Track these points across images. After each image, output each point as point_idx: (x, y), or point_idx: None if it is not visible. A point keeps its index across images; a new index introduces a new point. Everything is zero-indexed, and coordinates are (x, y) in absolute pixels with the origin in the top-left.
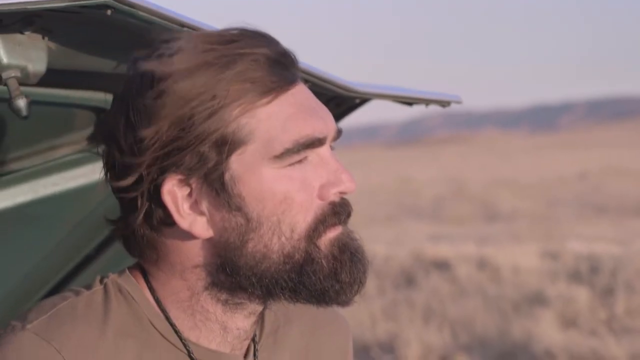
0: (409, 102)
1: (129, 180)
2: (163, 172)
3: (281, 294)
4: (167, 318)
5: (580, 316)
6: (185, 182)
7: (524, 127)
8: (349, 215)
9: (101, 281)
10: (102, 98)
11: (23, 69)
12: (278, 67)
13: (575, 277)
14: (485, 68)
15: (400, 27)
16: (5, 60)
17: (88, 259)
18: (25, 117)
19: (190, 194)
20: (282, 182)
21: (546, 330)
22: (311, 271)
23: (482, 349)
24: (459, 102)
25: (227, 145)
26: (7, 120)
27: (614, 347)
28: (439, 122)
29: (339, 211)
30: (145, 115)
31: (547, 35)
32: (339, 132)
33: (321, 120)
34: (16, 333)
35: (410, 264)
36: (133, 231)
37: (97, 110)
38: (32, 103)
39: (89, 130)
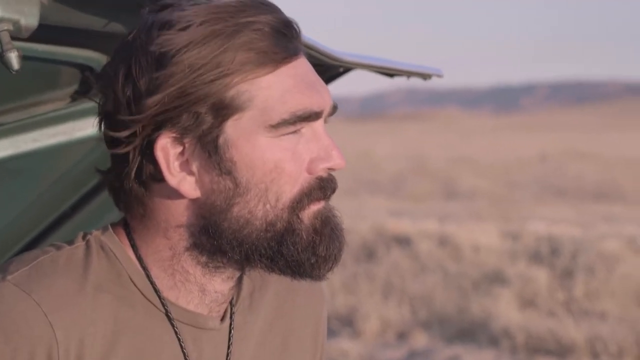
0: (390, 73)
1: (123, 134)
2: (158, 129)
3: (259, 262)
4: (148, 276)
5: (539, 297)
6: (179, 140)
7: (486, 107)
8: (333, 191)
9: (83, 237)
10: (89, 56)
11: (15, 23)
12: (282, 38)
13: (535, 258)
14: (449, 46)
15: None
16: None
17: (66, 214)
18: (16, 71)
19: (182, 153)
20: (274, 151)
21: (505, 309)
22: (290, 242)
23: (441, 325)
24: (440, 76)
25: (224, 109)
26: None
27: (572, 329)
28: (401, 98)
29: (325, 186)
30: (150, 80)
31: (512, 15)
32: (334, 108)
33: (319, 95)
34: None
35: (371, 238)
36: (122, 184)
37: (83, 68)
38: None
39: (73, 88)
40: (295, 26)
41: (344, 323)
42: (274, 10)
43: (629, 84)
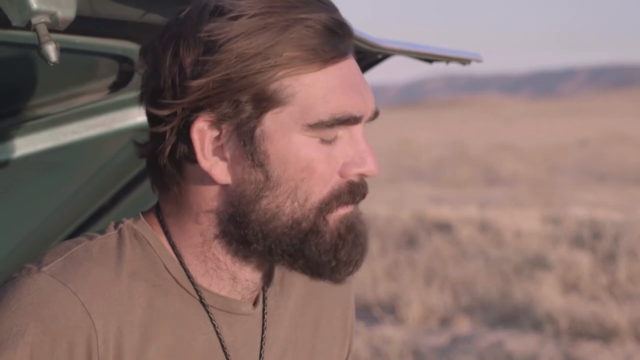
0: (429, 59)
1: (163, 112)
2: (197, 111)
3: (280, 257)
4: (181, 263)
5: (582, 281)
6: (216, 125)
7: (525, 92)
8: (363, 196)
9: (115, 226)
10: (127, 47)
11: (52, 15)
12: (333, 37)
13: (577, 242)
14: (487, 32)
15: None
16: (35, 6)
17: (105, 207)
18: (54, 63)
19: (218, 138)
20: (308, 150)
21: (547, 294)
22: (313, 242)
23: (483, 311)
24: (479, 61)
25: (265, 101)
26: (30, 67)
27: (615, 312)
28: (440, 86)
29: (355, 191)
30: (196, 64)
31: (551, 1)
32: (375, 114)
33: (362, 99)
34: (32, 275)
35: (412, 225)
36: (157, 161)
37: (121, 59)
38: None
39: (111, 79)
40: (348, 26)
41: (387, 310)
42: (329, 8)
43: None
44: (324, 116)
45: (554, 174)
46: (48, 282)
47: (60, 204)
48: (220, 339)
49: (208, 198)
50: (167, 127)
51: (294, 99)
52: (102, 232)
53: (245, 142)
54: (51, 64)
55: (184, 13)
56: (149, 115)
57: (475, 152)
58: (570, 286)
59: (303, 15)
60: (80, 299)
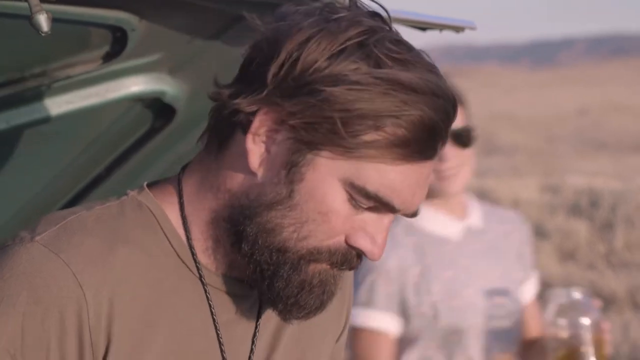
0: (422, 27)
1: (248, 94)
2: (283, 98)
3: (255, 267)
4: (188, 238)
5: (579, 249)
6: (286, 121)
7: (524, 62)
8: (350, 269)
9: (119, 197)
10: (120, 17)
11: None
12: (433, 139)
13: (574, 211)
14: (486, 1)
15: None
16: None
17: (101, 177)
18: (46, 33)
19: (277, 131)
20: (335, 201)
21: (545, 262)
22: (287, 274)
23: None
24: (473, 28)
25: (341, 140)
26: (24, 38)
27: (612, 280)
28: (439, 55)
29: (348, 259)
30: (320, 69)
31: None
32: (414, 214)
33: (412, 199)
34: (24, 244)
35: None
36: (222, 110)
37: (114, 29)
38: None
39: (105, 49)
40: (450, 123)
41: None
42: (452, 105)
43: None
44: (371, 187)
45: (553, 143)
46: (40, 251)
47: (56, 174)
48: (214, 318)
49: (235, 177)
50: (251, 95)
51: (362, 153)
52: (102, 202)
53: (295, 154)
54: (43, 34)
55: (349, 16)
56: (244, 68)
57: (474, 122)
58: (567, 255)
59: (416, 106)
60: (72, 269)
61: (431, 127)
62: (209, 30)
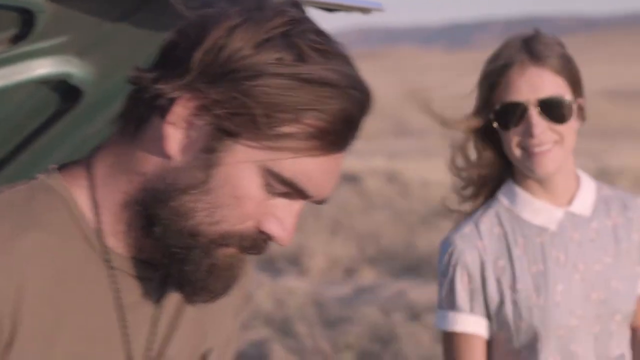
0: (330, 8)
1: (170, 79)
2: (208, 85)
3: (165, 250)
4: (98, 221)
5: None
6: (208, 108)
7: (440, 44)
8: (257, 253)
9: (27, 181)
10: None
11: None
12: (349, 130)
13: None
14: None
15: None
16: None
17: (6, 159)
18: None
19: (196, 116)
20: (251, 187)
21: None
22: (197, 258)
23: (388, 261)
24: (380, 10)
25: (259, 124)
26: None
27: None
28: (356, 38)
29: (257, 244)
30: (244, 57)
31: None
32: (324, 201)
33: (327, 187)
34: None
35: None
36: (141, 93)
37: (22, 11)
38: None
39: (11, 31)
40: (364, 116)
41: (291, 262)
42: (368, 98)
43: (582, 19)
44: (288, 174)
45: None
46: None
47: None
48: (119, 300)
49: (151, 161)
50: (174, 80)
51: (281, 141)
52: (11, 186)
53: (214, 140)
54: None
55: (273, 18)
56: (167, 50)
57: (387, 105)
58: None
59: (344, 95)
60: None
61: (349, 119)
62: (118, 13)
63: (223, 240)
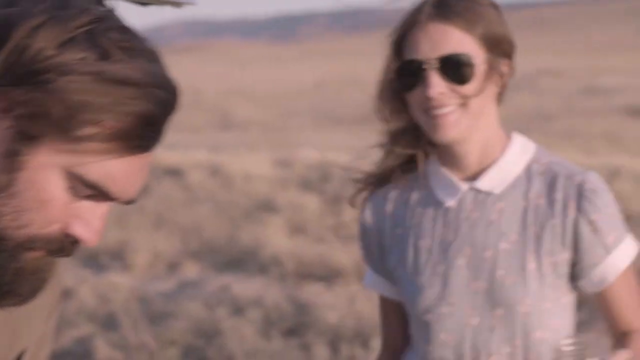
0: (142, 2)
1: None
2: (4, 91)
3: None
4: None
5: (309, 223)
6: (8, 110)
7: (265, 36)
8: (66, 255)
9: None
10: None
11: None
12: (152, 130)
13: (305, 185)
14: None
15: None
16: None
17: None
18: None
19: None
20: (56, 190)
21: (274, 237)
22: (1, 262)
23: (211, 255)
24: (192, 4)
25: (61, 127)
26: None
27: (340, 253)
28: (181, 31)
29: (65, 247)
30: (48, 57)
31: None
32: (131, 202)
33: (131, 188)
34: None
35: None
36: None
37: None
38: None
39: None
40: (170, 116)
41: (114, 257)
42: (174, 97)
43: (402, 11)
44: (92, 177)
45: (289, 117)
46: None
47: None
48: None
49: None
50: None
51: (83, 146)
52: None
53: (16, 143)
54: None
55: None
56: None
57: (210, 98)
58: (297, 229)
59: (147, 96)
60: None
61: (151, 120)
62: None
63: (30, 243)
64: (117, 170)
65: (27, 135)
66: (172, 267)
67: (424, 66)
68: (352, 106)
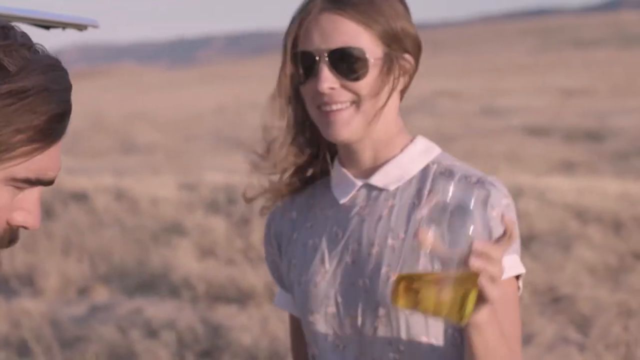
0: (46, 25)
1: None
2: None
3: None
4: None
5: (218, 246)
6: None
7: (163, 61)
8: (15, 243)
9: None
10: None
11: None
12: (62, 122)
13: (212, 207)
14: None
15: None
16: None
17: None
18: None
19: None
20: (2, 199)
21: (184, 259)
22: None
23: (121, 279)
24: (95, 26)
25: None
26: None
27: (251, 274)
28: (77, 56)
29: (13, 236)
30: None
31: None
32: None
33: (58, 169)
34: None
35: (48, 197)
36: None
37: None
38: None
39: None
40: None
41: (25, 282)
42: (63, 90)
43: None
44: (31, 175)
45: (191, 141)
46: None
47: None
48: None
49: None
50: None
51: (11, 155)
52: None
53: None
54: None
55: None
56: None
57: (112, 122)
58: (206, 251)
59: (50, 97)
60: None
61: (59, 115)
62: None
63: None
64: (45, 162)
65: None
66: (83, 291)
67: (315, 59)
68: (252, 130)
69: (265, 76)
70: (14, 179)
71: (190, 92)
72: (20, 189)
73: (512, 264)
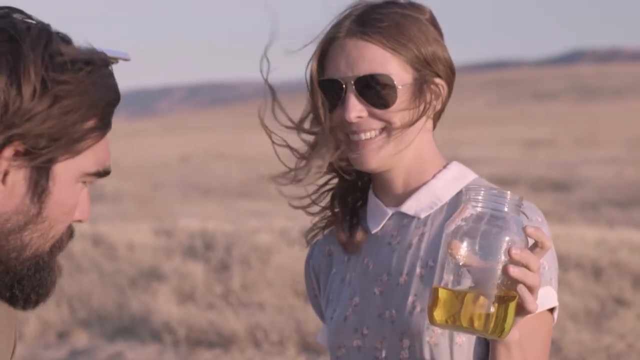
0: None
1: None
2: (11, 138)
3: (12, 283)
4: None
5: (197, 290)
6: (22, 155)
7: (123, 112)
8: (71, 239)
9: None
10: None
11: None
12: (112, 111)
13: (190, 253)
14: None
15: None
16: None
17: None
18: None
19: (9, 163)
20: (76, 196)
21: (164, 304)
22: (45, 277)
23: (101, 323)
24: (127, 59)
25: (62, 139)
26: None
27: (232, 320)
28: None
29: (72, 232)
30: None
31: (148, 16)
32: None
33: (110, 158)
34: None
35: None
36: None
37: None
38: None
39: None
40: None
41: None
42: (114, 85)
43: (257, 85)
44: (100, 167)
45: (158, 189)
46: None
47: None
48: None
49: None
50: None
51: (80, 148)
52: None
53: (34, 175)
54: None
55: (23, 35)
56: None
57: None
58: (186, 296)
59: (104, 90)
60: None
61: (114, 101)
62: None
63: (58, 248)
64: (103, 152)
65: (41, 165)
66: (62, 335)
67: (343, 87)
68: (217, 178)
69: (224, 126)
70: (87, 174)
71: (153, 142)
72: (86, 184)
73: (544, 295)
